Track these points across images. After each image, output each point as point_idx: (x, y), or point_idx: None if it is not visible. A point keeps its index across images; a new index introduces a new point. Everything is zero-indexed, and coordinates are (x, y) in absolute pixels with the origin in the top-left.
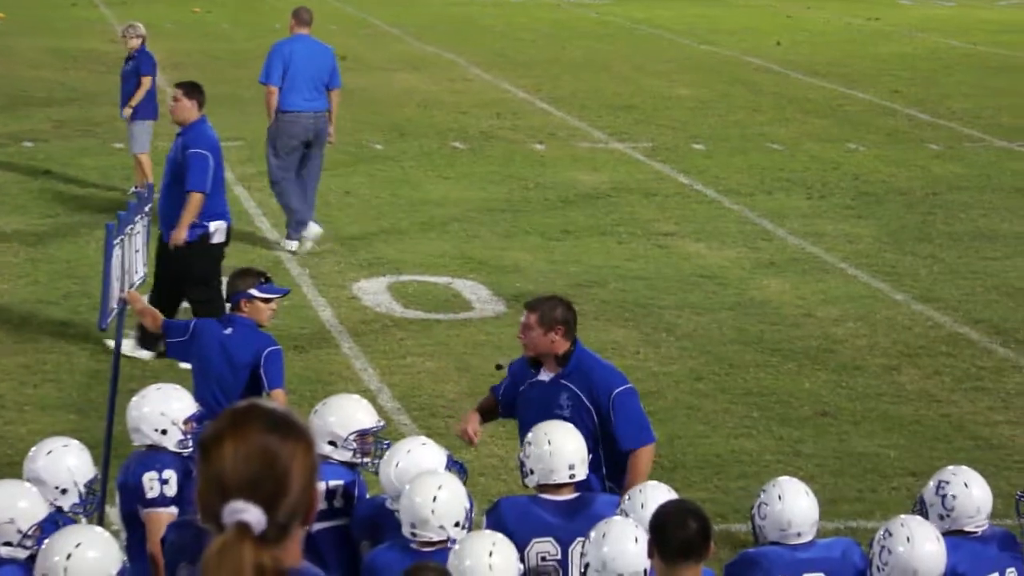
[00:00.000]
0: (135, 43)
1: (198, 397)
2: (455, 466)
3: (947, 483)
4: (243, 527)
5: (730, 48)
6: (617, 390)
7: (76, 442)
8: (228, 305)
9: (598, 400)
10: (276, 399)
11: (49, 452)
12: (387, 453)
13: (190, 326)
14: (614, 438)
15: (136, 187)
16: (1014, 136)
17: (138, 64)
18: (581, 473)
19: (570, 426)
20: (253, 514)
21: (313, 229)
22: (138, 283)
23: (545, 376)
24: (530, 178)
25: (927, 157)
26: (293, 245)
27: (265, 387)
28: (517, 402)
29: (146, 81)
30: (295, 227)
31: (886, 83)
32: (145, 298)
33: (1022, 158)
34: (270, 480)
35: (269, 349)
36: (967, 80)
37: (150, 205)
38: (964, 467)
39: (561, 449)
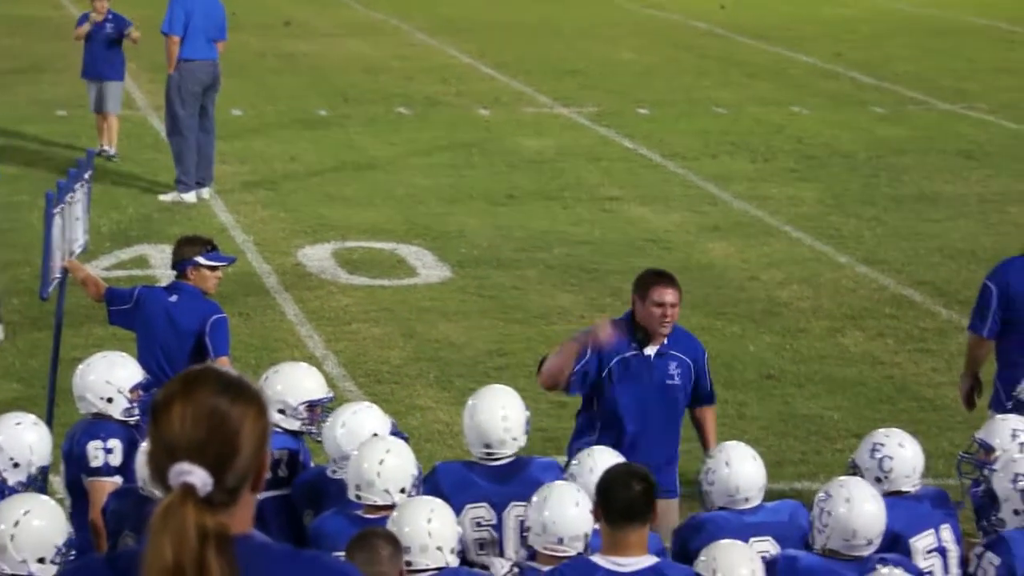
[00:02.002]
0: (104, 4)
1: (143, 365)
2: (397, 435)
3: (882, 445)
4: (188, 489)
5: (675, 12)
6: (706, 354)
7: (46, 428)
8: (174, 273)
9: (698, 363)
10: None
11: (18, 424)
12: (331, 416)
13: (134, 294)
14: (702, 396)
15: (102, 148)
16: (957, 98)
17: (118, 26)
18: (502, 451)
19: (501, 402)
20: (199, 476)
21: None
22: (78, 251)
23: (651, 350)
24: (475, 143)
25: (871, 120)
26: (191, 196)
27: (211, 354)
28: (612, 376)
29: (132, 31)
30: (191, 181)
31: (829, 46)
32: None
33: (965, 120)
34: (218, 443)
35: (215, 317)
36: (910, 43)
37: (91, 171)
38: (895, 428)
39: (483, 426)
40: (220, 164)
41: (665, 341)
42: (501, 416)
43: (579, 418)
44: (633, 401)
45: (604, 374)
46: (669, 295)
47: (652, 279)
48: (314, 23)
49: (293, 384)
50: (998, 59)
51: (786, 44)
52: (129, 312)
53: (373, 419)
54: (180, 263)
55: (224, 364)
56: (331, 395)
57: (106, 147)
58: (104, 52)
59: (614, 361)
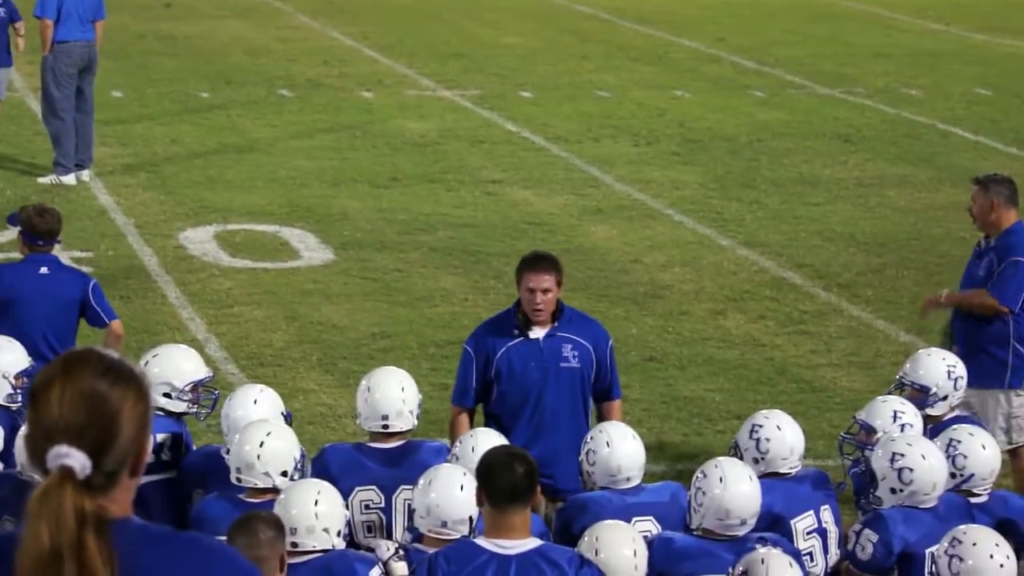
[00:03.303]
0: None
1: (27, 348)
2: (282, 415)
3: (760, 427)
4: (66, 471)
5: None
6: (610, 341)
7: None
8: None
9: (599, 349)
10: (116, 330)
11: None
12: (234, 398)
13: None
14: (604, 388)
15: None
16: (836, 83)
17: (9, 11)
18: (398, 424)
19: (399, 376)
20: (77, 459)
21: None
22: None
23: (538, 332)
24: (358, 126)
25: (752, 104)
26: (71, 178)
27: (104, 319)
28: (500, 364)
29: (20, 26)
30: (70, 163)
31: (712, 31)
32: None
33: (844, 105)
34: (97, 426)
35: (92, 282)
36: (790, 27)
37: None
38: (776, 410)
39: (382, 398)
40: (100, 146)
41: (556, 323)
42: (400, 388)
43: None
44: (527, 387)
45: (493, 370)
46: (538, 280)
47: (524, 264)
48: (195, 4)
49: (175, 367)
50: (876, 44)
51: (669, 28)
52: None
53: (270, 402)
54: (44, 234)
55: (118, 328)
56: (211, 374)
57: None
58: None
59: (499, 353)
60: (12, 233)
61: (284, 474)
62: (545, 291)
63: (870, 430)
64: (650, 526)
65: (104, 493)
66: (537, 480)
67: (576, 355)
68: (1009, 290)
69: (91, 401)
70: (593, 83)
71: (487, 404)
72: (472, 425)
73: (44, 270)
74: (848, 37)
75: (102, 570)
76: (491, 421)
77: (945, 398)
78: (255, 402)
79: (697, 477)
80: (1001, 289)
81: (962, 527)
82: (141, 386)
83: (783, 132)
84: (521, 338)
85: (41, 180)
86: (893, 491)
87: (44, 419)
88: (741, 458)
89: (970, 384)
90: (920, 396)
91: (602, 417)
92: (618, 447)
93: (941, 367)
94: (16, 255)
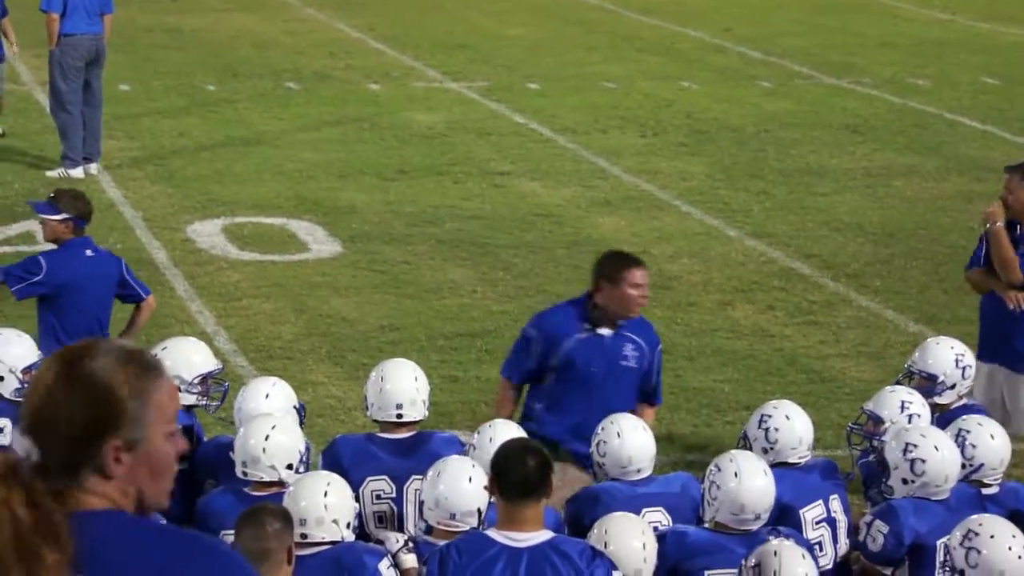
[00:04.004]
0: None
1: (72, 329)
2: (301, 413)
3: (769, 416)
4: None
5: None
6: (659, 345)
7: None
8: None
9: (654, 352)
10: (152, 304)
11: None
12: (246, 391)
13: (40, 262)
14: (647, 392)
15: None
16: (843, 73)
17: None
18: (412, 414)
19: (411, 366)
20: (23, 444)
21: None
22: None
23: (605, 330)
24: (365, 118)
25: (758, 94)
26: (79, 172)
27: (142, 295)
28: (564, 355)
29: (6, 22)
30: (77, 156)
31: (717, 21)
32: None
33: (851, 95)
34: (42, 415)
35: (123, 261)
36: (797, 18)
37: None
38: (785, 400)
39: (395, 387)
40: (108, 139)
41: (623, 323)
42: (413, 377)
43: (528, 399)
44: (582, 381)
45: (556, 359)
46: (644, 277)
47: (627, 261)
48: None
49: (184, 360)
50: (883, 34)
51: (675, 19)
52: (41, 282)
53: (284, 393)
54: (88, 216)
55: (153, 301)
56: (220, 366)
57: None
58: None
59: (565, 343)
60: (20, 226)
61: (290, 467)
62: (644, 288)
63: (878, 420)
64: (660, 517)
65: (71, 482)
66: (551, 475)
67: (636, 355)
68: None
69: (40, 390)
70: (599, 74)
71: (538, 383)
72: (516, 402)
73: (89, 252)
74: (855, 27)
75: (48, 557)
76: (538, 400)
77: (953, 387)
78: (267, 396)
79: (711, 471)
80: None
81: (976, 518)
82: (86, 377)
83: (790, 122)
84: (590, 332)
85: (49, 174)
86: (905, 482)
87: (25, 405)
88: (750, 448)
89: (1009, 365)
90: (928, 384)
91: None
92: (629, 438)
93: (949, 355)
94: (23, 248)
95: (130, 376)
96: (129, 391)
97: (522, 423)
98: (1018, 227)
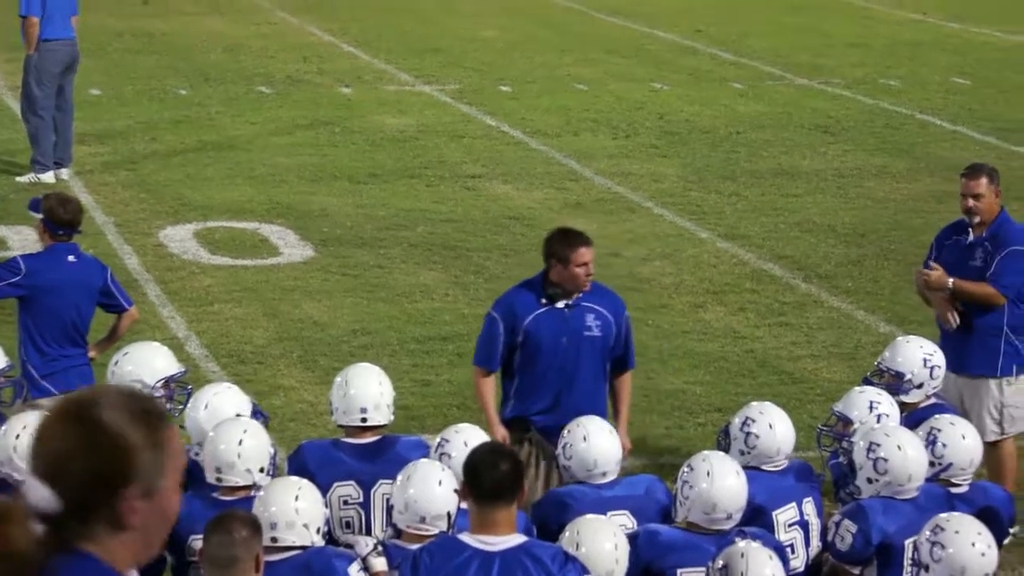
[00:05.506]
0: None
1: (46, 334)
2: (258, 415)
3: (753, 421)
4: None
5: None
6: (624, 308)
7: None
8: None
9: (618, 319)
10: (134, 314)
11: None
12: (193, 399)
13: (20, 263)
14: (620, 358)
15: None
16: (813, 74)
17: None
18: (377, 418)
19: (376, 371)
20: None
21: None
22: None
23: (563, 303)
24: (337, 122)
25: (730, 96)
26: (49, 176)
27: (124, 305)
28: (527, 331)
29: None
30: (49, 161)
31: (688, 22)
32: None
33: (821, 96)
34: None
35: (109, 269)
36: (767, 19)
37: None
38: (771, 405)
39: (359, 392)
40: (79, 144)
41: (580, 295)
42: (377, 382)
43: (504, 386)
44: (549, 355)
45: (519, 337)
46: (589, 255)
47: (573, 239)
48: (173, 1)
49: (146, 364)
50: (853, 34)
51: (645, 21)
52: (19, 284)
53: (233, 400)
54: (66, 224)
55: (135, 312)
56: (184, 369)
57: None
58: None
59: (527, 320)
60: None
61: (262, 470)
62: (591, 263)
63: (847, 421)
64: (625, 520)
65: (81, 531)
66: (523, 478)
67: (599, 324)
68: (1007, 279)
69: (52, 440)
70: (571, 76)
71: (508, 367)
72: (494, 389)
73: (71, 258)
74: (825, 27)
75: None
76: (510, 382)
77: (920, 386)
78: (206, 407)
79: (684, 470)
80: (999, 278)
81: (944, 515)
82: (94, 423)
83: (762, 124)
84: (549, 306)
85: (20, 179)
86: (870, 481)
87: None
88: (729, 444)
89: (963, 372)
90: (896, 382)
91: (615, 388)
92: (595, 442)
93: (918, 354)
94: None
95: (143, 426)
96: (143, 441)
97: (501, 408)
98: (969, 231)
